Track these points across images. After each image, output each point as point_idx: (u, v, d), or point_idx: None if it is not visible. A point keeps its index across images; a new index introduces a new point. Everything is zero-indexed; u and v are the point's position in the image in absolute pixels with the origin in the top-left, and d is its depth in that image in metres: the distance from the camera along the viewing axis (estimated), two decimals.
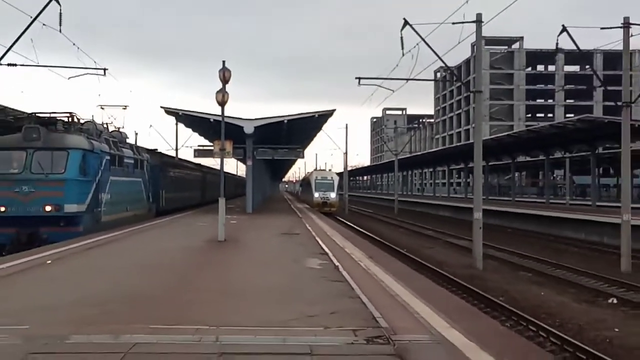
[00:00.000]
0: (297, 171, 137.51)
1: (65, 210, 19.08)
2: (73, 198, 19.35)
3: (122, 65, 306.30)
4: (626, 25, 20.98)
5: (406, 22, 21.64)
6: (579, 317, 13.97)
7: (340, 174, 60.98)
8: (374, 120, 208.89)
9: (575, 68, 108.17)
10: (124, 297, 8.81)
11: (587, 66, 73.76)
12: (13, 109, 26.57)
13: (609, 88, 26.92)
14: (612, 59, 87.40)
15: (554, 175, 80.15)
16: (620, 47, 21.87)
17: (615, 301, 15.81)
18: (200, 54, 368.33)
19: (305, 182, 66.49)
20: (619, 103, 22.10)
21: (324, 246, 16.43)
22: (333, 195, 51.64)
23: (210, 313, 7.77)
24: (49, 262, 12.88)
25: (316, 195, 50.88)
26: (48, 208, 18.84)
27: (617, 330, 12.77)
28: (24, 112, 25.92)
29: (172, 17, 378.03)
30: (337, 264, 12.77)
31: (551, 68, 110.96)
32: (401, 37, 21.85)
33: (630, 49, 22.18)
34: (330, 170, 62.10)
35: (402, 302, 8.66)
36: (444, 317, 7.65)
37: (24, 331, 6.75)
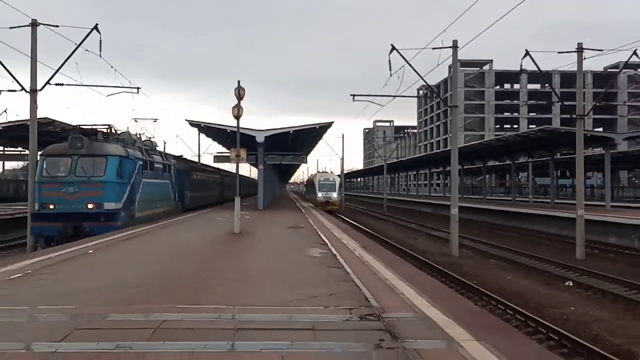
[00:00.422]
0: (301, 174, 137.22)
1: (105, 208, 19.09)
2: (111, 197, 19.35)
3: (153, 85, 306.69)
4: (579, 50, 21.04)
5: (393, 48, 21.70)
6: (540, 298, 13.98)
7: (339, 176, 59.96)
8: (366, 130, 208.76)
9: (536, 86, 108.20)
10: (154, 282, 8.81)
11: (547, 84, 73.76)
12: (60, 122, 26.68)
13: (566, 103, 26.95)
14: (568, 78, 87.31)
15: (519, 177, 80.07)
16: (574, 68, 21.91)
17: (571, 284, 15.81)
18: (219, 74, 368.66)
19: (310, 183, 61.74)
20: (574, 116, 22.14)
21: (323, 237, 16.40)
22: (335, 195, 48.56)
23: (228, 295, 7.77)
24: (91, 251, 12.89)
25: (319, 195, 48.01)
26: (90, 206, 18.86)
27: (572, 308, 12.78)
28: (69, 125, 26.01)
29: (196, 45, 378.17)
30: (335, 252, 12.75)
31: (516, 86, 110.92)
32: (389, 60, 21.94)
33: (583, 69, 22.22)
34: (332, 172, 58.85)
35: (390, 285, 8.66)
36: (425, 297, 7.64)
37: (70, 310, 6.76)
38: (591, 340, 10.12)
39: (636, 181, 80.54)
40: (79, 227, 18.34)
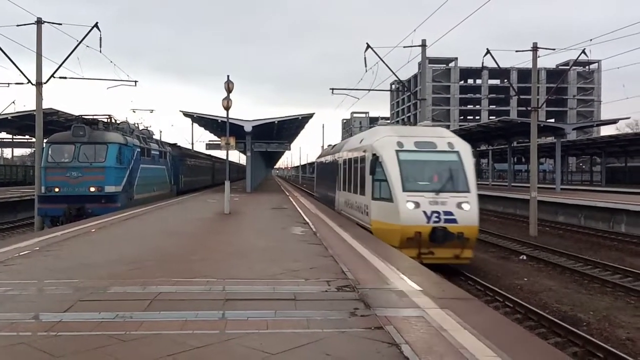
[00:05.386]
0: (284, 160, 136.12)
1: (106, 191, 18.94)
2: (112, 181, 19.20)
3: (149, 78, 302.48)
4: (534, 49, 21.21)
5: (368, 46, 21.68)
6: (497, 270, 14.20)
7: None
8: (344, 121, 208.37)
9: (496, 81, 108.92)
10: (151, 257, 8.74)
11: (506, 80, 74.22)
12: (64, 112, 26.26)
13: (522, 97, 27.19)
14: (524, 74, 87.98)
15: (480, 163, 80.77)
16: (530, 65, 22.09)
17: (524, 258, 16.09)
18: (211, 70, 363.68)
19: (352, 161, 16.87)
20: (529, 108, 22.36)
21: (305, 217, 16.39)
22: (469, 207, 12.59)
23: (218, 269, 7.74)
24: (93, 230, 12.76)
25: (409, 206, 12.41)
26: (92, 189, 18.71)
27: (525, 279, 13.01)
28: (72, 115, 25.61)
29: (194, 44, 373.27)
30: (315, 230, 12.78)
31: (478, 81, 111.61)
32: (364, 57, 21.85)
33: (538, 67, 22.42)
34: (430, 125, 16.05)
35: (364, 260, 8.70)
36: (395, 271, 7.71)
37: (74, 283, 6.69)
38: (541, 307, 10.33)
39: (583, 166, 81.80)
40: (82, 208, 18.20)
